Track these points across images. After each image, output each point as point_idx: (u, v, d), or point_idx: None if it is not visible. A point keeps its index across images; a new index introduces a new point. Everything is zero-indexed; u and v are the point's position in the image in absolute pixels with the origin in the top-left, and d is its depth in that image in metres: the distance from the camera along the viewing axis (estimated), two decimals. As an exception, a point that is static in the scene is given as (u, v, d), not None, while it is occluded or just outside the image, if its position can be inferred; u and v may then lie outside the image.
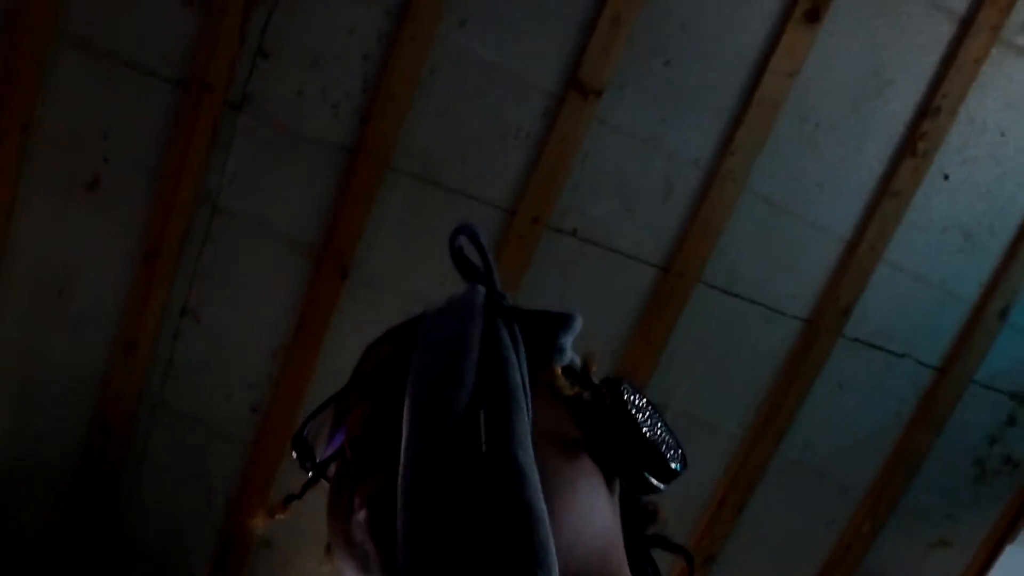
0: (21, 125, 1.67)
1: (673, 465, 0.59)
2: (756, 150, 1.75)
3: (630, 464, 0.58)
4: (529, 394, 0.56)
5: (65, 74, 1.65)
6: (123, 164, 1.71)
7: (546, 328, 0.63)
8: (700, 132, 1.75)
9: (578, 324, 0.64)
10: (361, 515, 0.55)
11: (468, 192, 1.75)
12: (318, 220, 1.74)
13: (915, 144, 1.79)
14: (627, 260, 1.81)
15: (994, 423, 2.01)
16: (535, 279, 1.79)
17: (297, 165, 1.72)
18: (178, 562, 1.99)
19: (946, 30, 1.74)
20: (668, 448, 0.59)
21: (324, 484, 0.66)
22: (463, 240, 0.67)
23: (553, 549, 0.48)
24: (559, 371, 0.62)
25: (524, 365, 0.58)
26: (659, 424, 0.60)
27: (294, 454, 0.67)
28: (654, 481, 0.59)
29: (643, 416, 0.59)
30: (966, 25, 1.73)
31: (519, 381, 0.56)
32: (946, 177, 1.84)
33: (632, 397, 0.60)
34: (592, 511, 0.57)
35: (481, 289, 0.64)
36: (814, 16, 1.70)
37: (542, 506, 0.49)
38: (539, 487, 0.50)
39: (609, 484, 0.60)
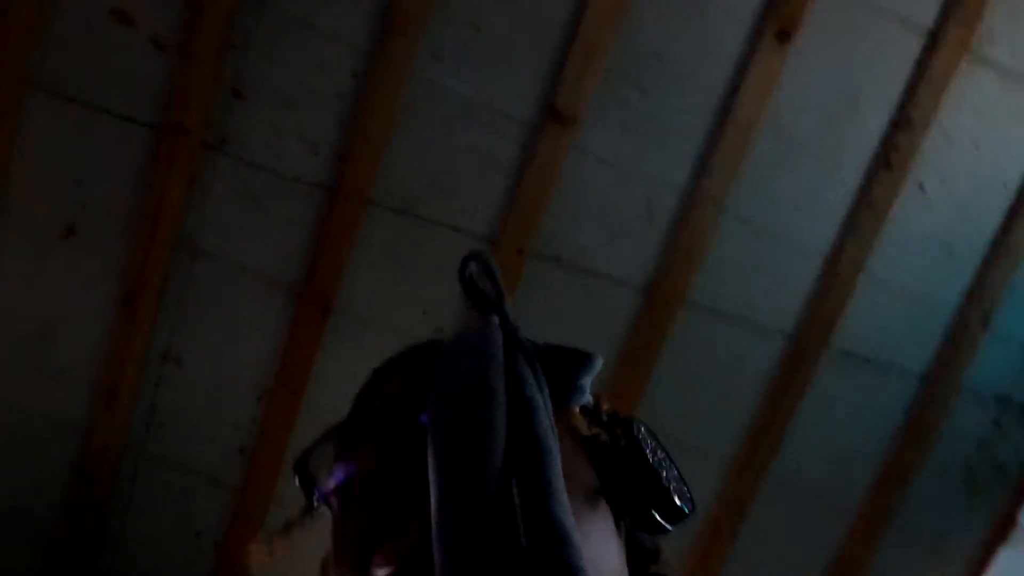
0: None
1: (683, 506, 0.58)
2: (734, 172, 1.76)
3: (642, 505, 0.58)
4: (556, 438, 0.55)
5: (39, 122, 1.63)
6: (99, 210, 1.69)
7: (566, 367, 0.62)
8: (678, 157, 1.76)
9: (598, 364, 0.63)
10: (384, 572, 0.53)
11: (451, 224, 1.75)
12: (299, 259, 1.73)
13: (890, 158, 1.81)
14: (611, 286, 1.81)
15: (982, 429, 2.02)
16: (520, 308, 1.77)
17: (276, 205, 1.70)
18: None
19: (915, 44, 1.76)
20: (678, 488, 0.59)
21: (318, 520, 0.64)
22: (473, 268, 0.64)
23: None
24: (578, 412, 0.61)
25: (550, 407, 0.57)
26: (671, 464, 0.60)
27: (296, 481, 0.65)
28: (663, 522, 0.59)
29: (654, 456, 0.59)
30: (934, 38, 1.75)
31: (548, 427, 0.55)
32: (922, 189, 1.86)
33: (646, 437, 0.60)
34: (608, 554, 0.57)
35: (495, 320, 0.62)
36: (785, 36, 1.71)
37: (587, 569, 0.48)
38: (581, 547, 0.49)
39: (617, 524, 0.60)
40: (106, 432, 1.80)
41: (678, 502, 0.58)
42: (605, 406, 0.64)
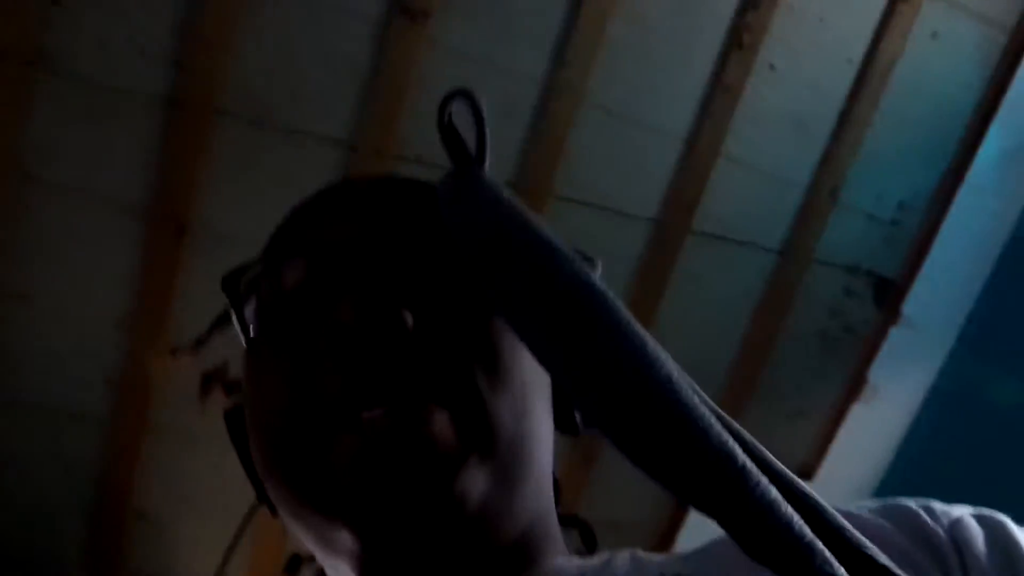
0: None
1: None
2: (591, 60, 1.75)
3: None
4: None
5: None
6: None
7: None
8: (535, 48, 1.73)
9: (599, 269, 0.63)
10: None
11: (306, 130, 1.68)
12: (145, 178, 1.63)
13: (741, 38, 1.83)
14: (477, 184, 1.79)
15: (834, 296, 2.15)
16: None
17: (114, 122, 1.59)
18: (51, 559, 1.89)
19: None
20: None
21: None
22: (457, 107, 0.58)
23: None
24: None
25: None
26: None
27: (226, 299, 0.62)
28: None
29: None
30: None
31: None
32: (773, 68, 1.90)
33: None
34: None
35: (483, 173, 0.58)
36: (634, -83, 1.69)
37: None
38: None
39: None
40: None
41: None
42: None
